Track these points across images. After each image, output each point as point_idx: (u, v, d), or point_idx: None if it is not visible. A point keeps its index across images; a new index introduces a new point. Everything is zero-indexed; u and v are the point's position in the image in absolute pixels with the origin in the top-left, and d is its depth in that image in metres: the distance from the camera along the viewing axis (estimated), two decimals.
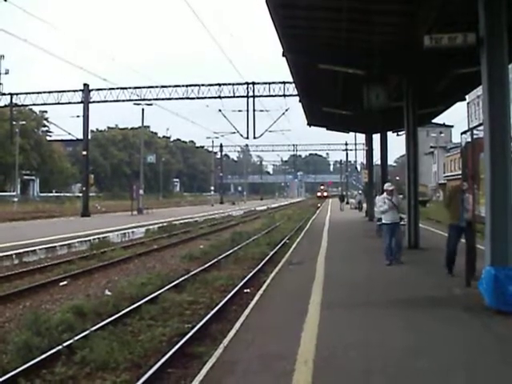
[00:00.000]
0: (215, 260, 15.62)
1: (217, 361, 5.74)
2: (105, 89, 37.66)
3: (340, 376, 5.23)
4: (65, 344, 7.00)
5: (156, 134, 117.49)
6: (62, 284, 12.30)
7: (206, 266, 14.55)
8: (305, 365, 5.41)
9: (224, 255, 16.70)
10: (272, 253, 17.27)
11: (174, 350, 6.90)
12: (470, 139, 9.22)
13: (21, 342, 7.10)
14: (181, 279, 12.24)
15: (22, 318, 8.82)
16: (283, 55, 15.32)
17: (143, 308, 9.34)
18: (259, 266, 14.42)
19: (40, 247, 17.11)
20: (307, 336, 6.47)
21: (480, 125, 8.78)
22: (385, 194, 12.61)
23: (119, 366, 6.52)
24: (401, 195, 15.60)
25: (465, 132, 9.70)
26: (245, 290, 11.38)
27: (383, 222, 12.66)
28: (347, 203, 49.01)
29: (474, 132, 9.09)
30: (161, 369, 6.29)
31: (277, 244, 19.95)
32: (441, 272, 10.68)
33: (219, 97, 37.15)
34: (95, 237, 20.69)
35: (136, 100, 38.25)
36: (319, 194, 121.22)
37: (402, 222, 13.24)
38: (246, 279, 12.44)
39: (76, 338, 7.27)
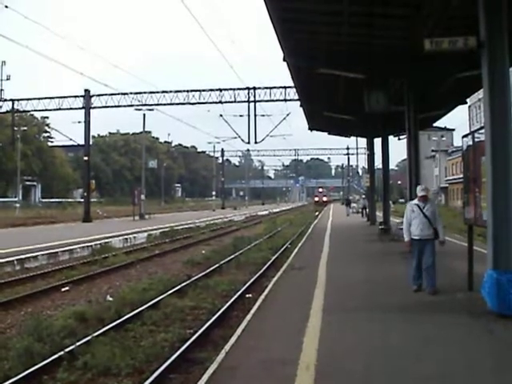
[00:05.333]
0: (217, 265, 15.58)
1: (218, 366, 5.72)
2: (106, 94, 37.76)
3: (342, 381, 5.21)
4: (66, 350, 6.98)
5: (157, 139, 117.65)
6: (63, 290, 12.29)
7: (208, 271, 14.52)
8: (306, 370, 5.39)
9: (226, 260, 16.67)
10: (274, 258, 17.23)
11: (175, 355, 6.88)
12: (471, 142, 9.21)
13: (22, 348, 7.08)
14: (182, 284, 12.21)
15: (24, 324, 8.80)
16: (284, 60, 15.35)
17: (145, 313, 9.31)
18: (261, 271, 14.38)
19: (41, 253, 17.10)
20: (309, 341, 6.45)
21: (481, 128, 8.76)
22: (416, 200, 9.75)
23: (121, 372, 6.50)
24: None
25: (466, 135, 9.68)
26: (247, 295, 11.35)
27: (411, 237, 9.51)
28: (350, 207, 48.57)
29: (476, 135, 9.07)
30: (163, 374, 6.27)
31: (279, 249, 19.90)
32: (444, 275, 10.62)
33: (220, 102, 37.18)
34: (97, 242, 20.67)
35: (137, 105, 38.34)
36: (317, 198, 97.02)
37: (441, 239, 9.46)
38: (248, 284, 12.40)
39: (78, 343, 7.25)
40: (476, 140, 8.95)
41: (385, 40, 14.04)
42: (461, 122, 63.35)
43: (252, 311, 8.48)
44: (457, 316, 7.65)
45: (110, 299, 11.09)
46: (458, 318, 7.52)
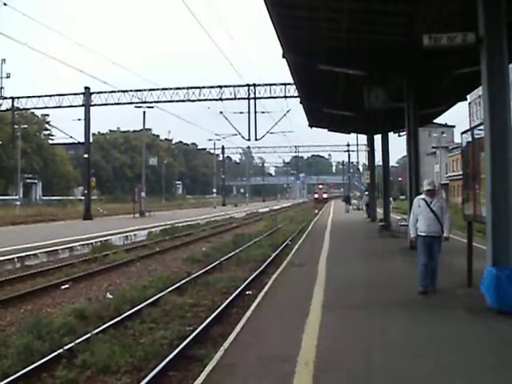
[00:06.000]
0: (217, 262, 15.59)
1: (217, 364, 5.72)
2: (106, 92, 37.76)
3: (341, 378, 5.20)
4: (66, 347, 6.99)
5: (158, 136, 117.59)
6: (63, 287, 12.29)
7: (208, 268, 14.53)
8: (305, 367, 5.38)
9: (226, 257, 16.68)
10: (274, 255, 17.24)
11: (174, 352, 6.89)
12: (470, 139, 9.19)
13: (22, 346, 7.09)
14: (182, 282, 12.22)
15: (24, 322, 8.81)
16: (283, 57, 15.31)
17: (144, 311, 9.32)
18: (261, 268, 14.40)
19: (42, 251, 17.12)
20: (308, 338, 6.45)
21: (480, 124, 8.74)
22: (423, 194, 9.31)
23: (120, 370, 6.52)
24: None
25: (465, 132, 9.66)
26: (246, 292, 11.37)
27: (418, 233, 9.07)
28: (350, 204, 48.38)
29: (475, 131, 9.05)
30: (162, 372, 6.27)
31: (279, 246, 19.91)
32: (444, 272, 10.61)
33: (220, 99, 37.19)
34: (97, 240, 20.69)
35: (137, 103, 38.30)
36: (317, 195, 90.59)
37: (445, 235, 8.88)
38: (248, 281, 12.42)
39: (77, 341, 7.26)
40: (475, 136, 8.93)
41: (385, 36, 13.99)
42: (461, 118, 63.23)
43: (251, 308, 8.48)
44: (456, 313, 7.64)
45: (110, 297, 11.11)
46: (458, 315, 7.51)
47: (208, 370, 5.54)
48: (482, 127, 8.43)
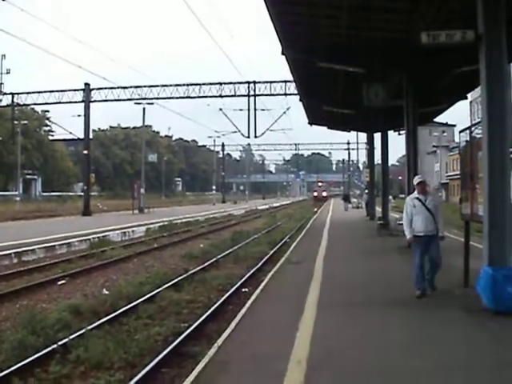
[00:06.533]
0: (215, 259, 15.56)
1: (210, 360, 5.69)
2: (106, 88, 37.71)
3: (333, 377, 5.17)
4: (60, 343, 6.96)
5: (158, 133, 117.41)
6: (60, 283, 12.27)
7: (206, 265, 14.51)
8: (298, 365, 5.35)
9: (224, 254, 16.66)
10: (272, 252, 17.22)
11: (168, 349, 6.86)
12: (468, 138, 9.14)
13: (16, 341, 7.07)
14: (179, 278, 12.19)
15: (19, 317, 8.79)
16: (282, 53, 15.25)
17: (140, 307, 9.30)
18: (258, 265, 14.37)
19: (39, 246, 17.10)
20: (302, 336, 6.42)
21: (478, 123, 8.69)
22: (415, 192, 8.92)
23: (114, 365, 6.49)
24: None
25: (463, 130, 9.60)
26: (243, 289, 11.34)
27: (414, 233, 8.69)
28: (349, 202, 48.29)
29: (473, 130, 9.00)
30: (155, 368, 6.25)
31: (277, 243, 19.89)
32: (441, 272, 10.59)
33: (220, 96, 37.17)
34: (95, 236, 20.68)
35: (137, 99, 38.28)
36: (316, 194, 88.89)
37: (441, 234, 8.79)
38: (245, 278, 12.40)
39: (71, 337, 7.23)
40: (473, 135, 8.88)
41: (385, 33, 13.94)
42: (462, 117, 63.14)
43: (247, 305, 8.45)
44: (453, 313, 7.57)
45: (106, 293, 11.09)
46: (455, 315, 7.44)
47: (201, 367, 5.52)
48: (480, 126, 8.38)
